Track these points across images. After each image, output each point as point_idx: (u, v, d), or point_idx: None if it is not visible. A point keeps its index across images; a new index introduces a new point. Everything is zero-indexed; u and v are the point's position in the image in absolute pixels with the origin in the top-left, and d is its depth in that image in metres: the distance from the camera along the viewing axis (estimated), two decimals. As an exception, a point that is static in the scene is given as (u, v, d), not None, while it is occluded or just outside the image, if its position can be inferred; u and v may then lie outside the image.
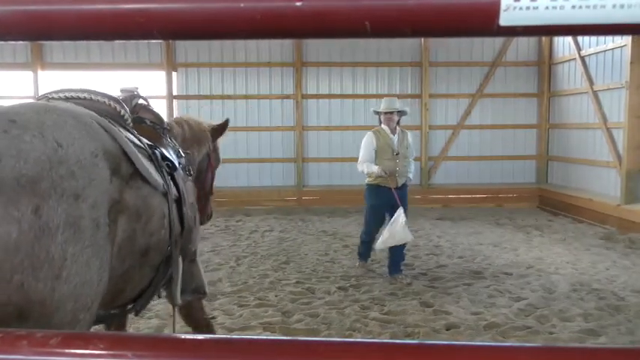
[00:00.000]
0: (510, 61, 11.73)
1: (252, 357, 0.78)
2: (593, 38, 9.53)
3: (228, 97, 11.61)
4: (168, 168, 2.38)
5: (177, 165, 2.51)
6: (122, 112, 2.31)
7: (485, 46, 11.68)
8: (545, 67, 11.63)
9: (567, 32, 0.68)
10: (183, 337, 0.83)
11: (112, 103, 2.29)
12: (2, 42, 0.76)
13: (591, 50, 9.81)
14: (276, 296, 5.36)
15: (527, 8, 0.65)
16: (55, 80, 11.17)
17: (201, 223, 3.32)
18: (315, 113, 11.75)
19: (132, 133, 2.25)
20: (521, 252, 7.21)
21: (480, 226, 9.18)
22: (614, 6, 0.64)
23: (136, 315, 2.63)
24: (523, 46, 11.74)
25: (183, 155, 2.77)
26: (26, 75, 11.29)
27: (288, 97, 11.67)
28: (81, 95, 2.22)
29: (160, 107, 2.97)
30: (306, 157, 11.72)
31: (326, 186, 11.41)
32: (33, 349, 0.77)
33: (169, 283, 2.54)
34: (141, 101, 2.74)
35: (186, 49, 11.48)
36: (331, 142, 11.63)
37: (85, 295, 1.65)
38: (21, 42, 0.79)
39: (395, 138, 5.98)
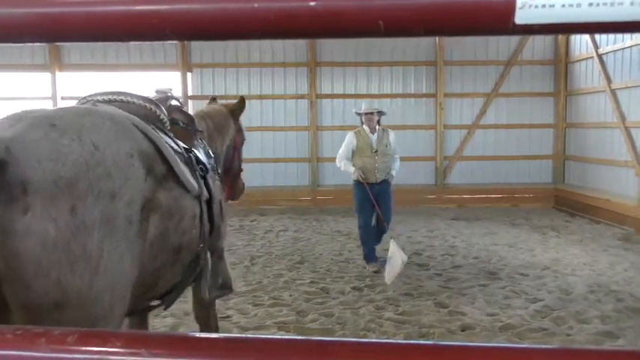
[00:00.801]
0: (526, 60, 11.61)
1: (266, 356, 0.78)
2: (611, 36, 9.40)
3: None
4: (201, 171, 2.46)
5: (208, 167, 2.59)
6: (161, 115, 2.39)
7: (500, 45, 11.57)
8: (562, 65, 11.49)
9: (584, 30, 0.67)
10: (198, 335, 0.84)
11: (151, 106, 2.37)
12: (21, 44, 0.77)
13: (609, 48, 9.67)
14: (290, 296, 5.37)
15: (543, 6, 0.64)
16: (73, 81, 11.32)
17: (235, 198, 3.72)
18: (329, 113, 11.75)
19: (169, 137, 2.33)
20: (538, 253, 7.13)
21: (496, 226, 9.11)
22: (632, 3, 0.63)
23: (165, 309, 2.71)
24: (539, 44, 11.61)
25: (212, 156, 2.88)
26: (44, 76, 11.44)
27: (302, 97, 11.68)
28: (124, 99, 2.31)
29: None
30: (321, 157, 11.71)
31: (340, 186, 11.35)
32: (51, 346, 0.78)
33: (199, 279, 2.62)
34: (174, 102, 2.81)
35: (201, 49, 11.54)
36: (345, 141, 11.58)
37: (119, 288, 1.74)
38: (39, 44, 0.81)
39: (374, 137, 6.40)
